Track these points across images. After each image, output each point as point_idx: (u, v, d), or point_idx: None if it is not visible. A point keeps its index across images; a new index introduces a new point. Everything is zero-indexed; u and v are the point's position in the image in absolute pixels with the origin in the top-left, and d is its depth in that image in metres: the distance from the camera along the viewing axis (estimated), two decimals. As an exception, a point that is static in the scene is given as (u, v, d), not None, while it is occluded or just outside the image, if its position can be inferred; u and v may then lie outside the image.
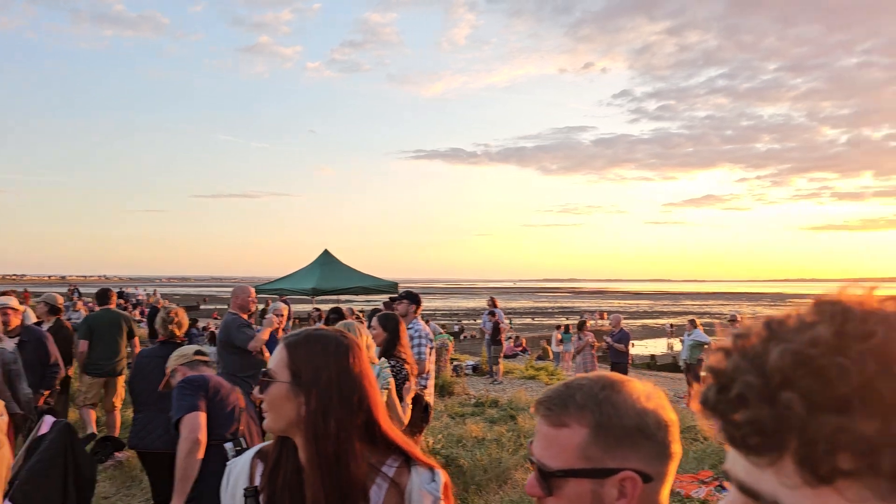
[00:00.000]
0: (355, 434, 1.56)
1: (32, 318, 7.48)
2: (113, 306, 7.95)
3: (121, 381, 7.46)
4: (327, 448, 1.52)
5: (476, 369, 16.03)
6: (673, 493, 5.22)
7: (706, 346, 13.18)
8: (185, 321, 5.18)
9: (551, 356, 20.47)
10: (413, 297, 6.50)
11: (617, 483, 1.03)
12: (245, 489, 1.60)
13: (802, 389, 0.54)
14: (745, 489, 0.59)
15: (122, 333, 7.57)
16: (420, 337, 6.12)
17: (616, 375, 1.13)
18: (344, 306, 11.57)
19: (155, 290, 41.79)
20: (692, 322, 14.55)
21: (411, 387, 4.96)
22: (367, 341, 4.25)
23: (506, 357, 17.28)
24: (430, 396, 6.02)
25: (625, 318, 15.10)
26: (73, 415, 7.74)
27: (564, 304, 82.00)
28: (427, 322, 11.17)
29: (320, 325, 8.44)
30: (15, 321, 6.11)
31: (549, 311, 66.94)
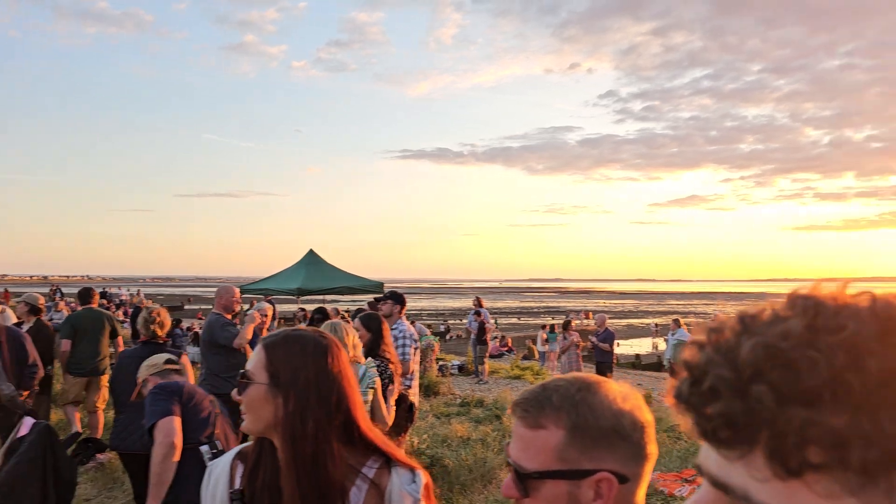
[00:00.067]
0: (334, 435, 1.54)
1: (12, 319, 7.41)
2: (95, 305, 7.89)
3: (104, 381, 7.40)
4: (305, 449, 1.51)
5: (462, 369, 16.04)
6: (657, 492, 5.26)
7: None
8: (168, 321, 5.14)
9: (537, 356, 20.52)
10: (398, 298, 6.49)
11: (593, 484, 1.04)
12: (231, 492, 1.59)
13: (773, 382, 0.53)
14: (716, 483, 0.58)
15: (105, 332, 7.51)
16: (404, 337, 6.11)
17: (592, 377, 1.13)
18: (329, 306, 11.55)
19: (139, 291, 41.46)
20: (676, 322, 14.67)
21: (395, 388, 4.96)
22: (353, 341, 4.24)
23: (491, 357, 17.31)
24: (414, 396, 6.02)
25: (610, 318, 15.19)
26: (54, 416, 7.66)
27: (550, 304, 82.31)
28: (413, 323, 11.16)
29: (304, 325, 8.39)
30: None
31: (535, 310, 67.17)
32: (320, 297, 16.67)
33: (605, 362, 13.02)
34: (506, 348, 23.64)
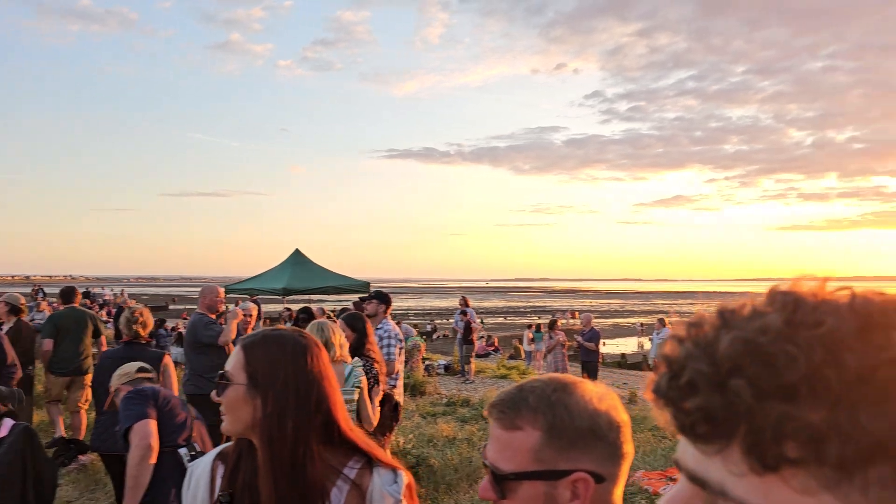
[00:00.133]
0: (313, 436, 1.54)
1: (-7, 319, 7.33)
2: (77, 305, 7.83)
3: (87, 381, 7.35)
4: (284, 450, 1.50)
5: (448, 369, 16.04)
6: (641, 491, 5.28)
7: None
8: (150, 321, 5.10)
9: (523, 355, 20.56)
10: (383, 297, 6.48)
11: (570, 484, 1.04)
12: (219, 495, 1.58)
13: (751, 377, 0.53)
14: (693, 478, 0.58)
15: (88, 332, 7.46)
16: (389, 337, 6.10)
17: (568, 377, 1.13)
18: (315, 306, 11.51)
19: (122, 290, 41.14)
20: (661, 321, 14.78)
21: (380, 388, 4.95)
22: (339, 340, 4.23)
23: (478, 356, 17.32)
24: (399, 396, 6.01)
25: (596, 318, 15.24)
26: (36, 416, 7.59)
27: (536, 304, 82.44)
28: (399, 323, 11.15)
29: (289, 325, 8.37)
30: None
31: (521, 310, 67.24)
32: (306, 296, 16.59)
33: (590, 362, 13.07)
34: (492, 348, 23.66)
